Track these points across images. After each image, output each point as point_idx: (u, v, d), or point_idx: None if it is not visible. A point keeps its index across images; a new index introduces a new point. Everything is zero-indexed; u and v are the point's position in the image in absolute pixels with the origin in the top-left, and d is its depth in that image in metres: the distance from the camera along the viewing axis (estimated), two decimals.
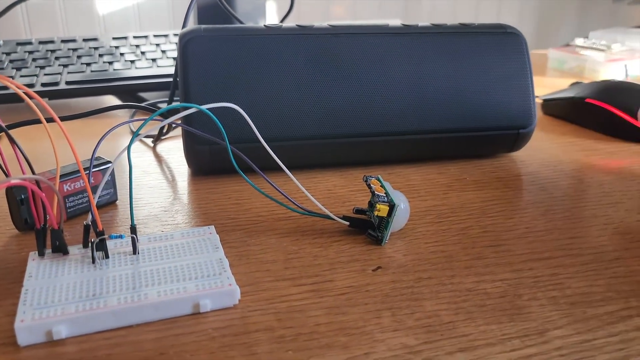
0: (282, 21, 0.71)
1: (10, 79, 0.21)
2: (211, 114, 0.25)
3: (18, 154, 0.24)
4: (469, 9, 1.19)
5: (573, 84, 0.53)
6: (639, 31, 0.77)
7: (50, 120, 0.24)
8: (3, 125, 0.23)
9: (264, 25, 0.36)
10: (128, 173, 0.25)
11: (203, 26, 0.35)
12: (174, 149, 0.42)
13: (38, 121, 0.24)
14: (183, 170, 0.38)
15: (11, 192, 0.28)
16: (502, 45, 0.39)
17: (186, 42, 0.34)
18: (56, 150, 0.25)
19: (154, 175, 0.37)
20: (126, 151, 0.25)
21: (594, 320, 0.23)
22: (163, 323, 0.22)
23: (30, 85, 0.49)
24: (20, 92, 0.22)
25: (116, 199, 0.32)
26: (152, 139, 0.43)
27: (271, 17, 0.87)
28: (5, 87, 0.49)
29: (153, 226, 0.30)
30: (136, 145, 0.43)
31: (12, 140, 0.23)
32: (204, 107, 0.25)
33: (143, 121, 0.24)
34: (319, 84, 0.36)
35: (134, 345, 0.21)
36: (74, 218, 0.31)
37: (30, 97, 0.23)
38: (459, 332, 0.22)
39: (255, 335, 0.22)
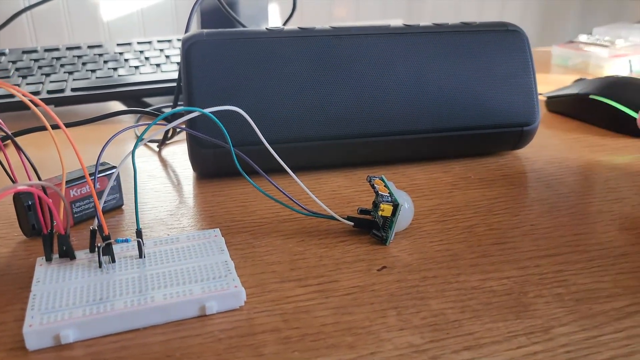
0: (285, 24, 0.71)
1: (16, 87, 0.22)
2: (214, 118, 0.26)
3: (24, 160, 0.24)
4: (472, 7, 1.19)
5: (577, 81, 0.52)
6: None
7: (55, 127, 0.24)
8: (9, 132, 0.23)
9: (266, 28, 0.36)
10: (133, 177, 0.25)
11: (205, 30, 0.36)
12: (179, 152, 0.43)
13: (44, 128, 0.24)
14: (188, 174, 0.38)
15: (19, 198, 0.28)
16: (504, 43, 0.39)
17: (189, 47, 0.35)
18: (62, 156, 0.25)
19: (160, 179, 0.37)
20: (131, 156, 0.25)
21: (599, 316, 0.23)
22: (170, 325, 0.22)
23: (36, 93, 0.50)
24: (25, 99, 0.22)
25: (122, 204, 0.33)
26: (157, 144, 0.44)
27: (274, 20, 0.87)
28: (11, 95, 0.49)
29: (159, 230, 0.30)
30: (142, 150, 0.43)
31: (17, 147, 0.23)
32: (207, 110, 0.25)
33: (147, 126, 0.25)
34: (321, 85, 0.36)
35: (141, 347, 0.21)
36: (81, 223, 0.31)
37: (36, 105, 0.23)
38: (464, 330, 0.22)
39: (261, 337, 0.22)
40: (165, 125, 0.28)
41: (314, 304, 0.24)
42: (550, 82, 0.63)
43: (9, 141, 0.29)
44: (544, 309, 0.23)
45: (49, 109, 0.22)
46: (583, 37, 0.73)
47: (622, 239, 0.29)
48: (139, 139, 0.24)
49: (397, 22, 0.71)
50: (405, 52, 0.37)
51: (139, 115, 0.50)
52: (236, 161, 0.28)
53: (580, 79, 0.53)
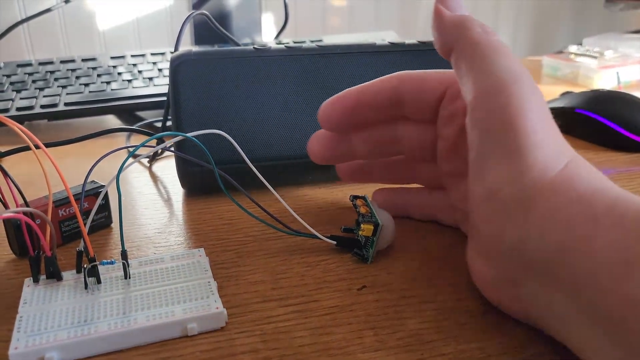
0: (278, 35, 0.72)
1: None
2: (197, 141, 0.26)
3: (10, 184, 0.24)
4: None
5: (563, 94, 0.53)
6: (632, 37, 0.77)
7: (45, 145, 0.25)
8: None
9: (253, 47, 0.37)
10: (118, 201, 0.26)
11: (194, 50, 0.36)
12: (169, 167, 0.43)
13: (29, 148, 0.25)
14: (178, 189, 0.39)
15: (8, 219, 0.29)
16: None
17: (176, 67, 0.35)
18: (48, 179, 0.25)
19: (149, 195, 0.38)
20: (117, 178, 0.26)
21: None
22: (152, 347, 0.23)
23: (30, 107, 0.50)
24: (8, 123, 0.23)
25: (111, 222, 0.33)
26: (148, 159, 0.44)
27: (268, 31, 0.87)
28: None
29: (146, 248, 0.31)
30: (133, 165, 0.44)
31: (3, 172, 0.24)
32: (190, 134, 0.26)
33: (137, 144, 0.25)
34: (307, 104, 0.36)
35: None
36: (71, 242, 0.31)
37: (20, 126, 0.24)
38: (438, 351, 0.23)
39: (240, 357, 0.22)
40: (153, 147, 0.29)
41: (293, 324, 0.24)
42: None
43: None
44: (520, 329, 0.24)
45: (27, 129, 0.22)
46: (573, 48, 0.73)
47: None
48: (121, 167, 0.25)
49: (387, 34, 0.72)
50: (391, 69, 0.38)
51: (128, 133, 0.51)
52: (220, 182, 0.28)
53: (567, 92, 0.53)
